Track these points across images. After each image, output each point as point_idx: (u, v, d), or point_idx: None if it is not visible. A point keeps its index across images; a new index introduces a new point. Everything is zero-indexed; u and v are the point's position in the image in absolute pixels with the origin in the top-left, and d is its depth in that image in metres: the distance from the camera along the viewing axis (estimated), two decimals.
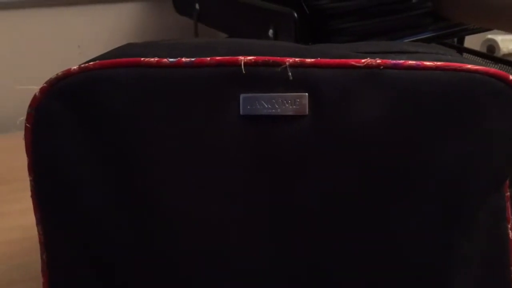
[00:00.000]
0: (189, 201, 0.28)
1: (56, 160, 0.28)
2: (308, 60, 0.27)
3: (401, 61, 0.27)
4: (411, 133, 0.27)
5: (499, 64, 0.68)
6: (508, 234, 0.30)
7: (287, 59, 0.27)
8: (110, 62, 0.27)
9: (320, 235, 0.28)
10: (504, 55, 0.77)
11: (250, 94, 0.27)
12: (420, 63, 0.27)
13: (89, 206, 0.28)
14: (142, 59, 0.27)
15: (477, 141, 0.27)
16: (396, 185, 0.28)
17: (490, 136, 0.28)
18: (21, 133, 0.28)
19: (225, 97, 0.27)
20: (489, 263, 0.31)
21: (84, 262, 0.30)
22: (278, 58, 0.27)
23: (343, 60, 0.27)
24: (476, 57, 0.70)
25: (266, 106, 0.27)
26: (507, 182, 0.30)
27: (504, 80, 0.27)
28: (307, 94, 0.27)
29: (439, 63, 0.27)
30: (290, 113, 0.27)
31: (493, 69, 0.27)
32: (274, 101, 0.27)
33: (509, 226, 0.30)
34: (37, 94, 0.27)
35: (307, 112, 0.27)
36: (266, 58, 0.27)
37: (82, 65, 0.27)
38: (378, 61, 0.27)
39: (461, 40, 0.70)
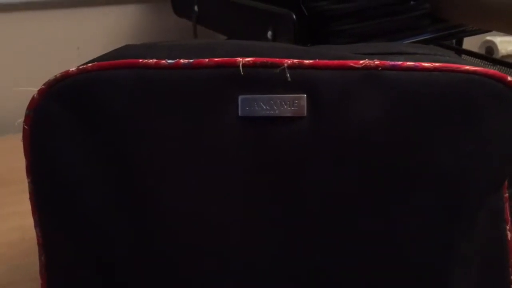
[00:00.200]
0: (189, 201, 0.28)
1: (54, 162, 0.28)
2: (307, 61, 0.27)
3: (399, 62, 0.27)
4: (410, 134, 0.27)
5: (498, 66, 0.68)
6: (506, 235, 0.30)
7: (286, 61, 0.27)
8: (108, 64, 0.27)
9: (320, 235, 0.28)
10: (503, 56, 0.77)
11: (248, 96, 0.27)
12: (419, 64, 0.27)
13: (89, 207, 0.28)
14: (140, 60, 0.27)
15: (476, 142, 0.27)
16: (395, 186, 0.28)
17: (488, 137, 0.28)
18: (20, 135, 0.28)
19: (223, 98, 0.27)
20: (488, 264, 0.31)
21: (83, 263, 0.30)
22: (277, 59, 0.27)
23: (341, 62, 0.27)
24: (474, 59, 0.70)
25: (265, 107, 0.27)
26: (506, 183, 0.30)
27: (503, 81, 0.27)
28: (305, 95, 0.27)
29: (437, 64, 0.27)
30: (289, 114, 0.27)
31: (491, 70, 0.27)
32: (272, 102, 0.27)
33: (508, 227, 0.30)
34: (35, 95, 0.27)
35: (305, 114, 0.27)
36: (265, 59, 0.27)
37: (81, 67, 0.27)
38: (377, 62, 0.27)
39: (460, 42, 0.71)
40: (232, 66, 0.27)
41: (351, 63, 0.27)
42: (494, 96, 0.27)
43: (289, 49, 0.29)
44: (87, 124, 0.27)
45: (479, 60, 0.70)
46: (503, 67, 0.67)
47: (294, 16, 0.47)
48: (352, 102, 0.27)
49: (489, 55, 0.78)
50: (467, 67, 0.27)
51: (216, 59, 0.27)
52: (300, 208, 0.28)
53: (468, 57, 0.71)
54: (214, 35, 0.65)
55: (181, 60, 0.27)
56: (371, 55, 0.28)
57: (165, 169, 0.28)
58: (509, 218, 0.31)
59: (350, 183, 0.27)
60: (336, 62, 0.27)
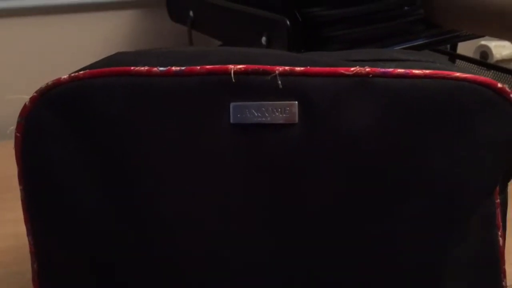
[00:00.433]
0: (183, 206, 0.28)
1: (46, 169, 0.28)
2: (298, 68, 0.27)
3: (390, 70, 0.27)
4: (400, 141, 0.27)
5: (492, 70, 0.68)
6: (498, 241, 0.31)
7: (277, 68, 0.27)
8: (100, 71, 0.27)
9: (314, 240, 0.28)
10: (497, 61, 0.78)
11: (240, 103, 0.27)
12: (409, 71, 0.27)
13: (81, 214, 0.28)
14: (132, 68, 0.27)
15: (467, 148, 0.28)
16: (387, 192, 0.28)
17: (479, 143, 0.28)
18: (12, 142, 0.28)
19: (215, 105, 0.27)
20: (480, 269, 0.31)
21: (76, 270, 0.30)
22: (268, 66, 0.27)
23: (332, 69, 0.27)
24: (469, 64, 0.71)
25: (256, 114, 0.27)
26: (497, 189, 0.30)
27: (493, 88, 0.27)
28: (297, 102, 0.27)
29: (427, 71, 0.27)
30: (280, 121, 0.27)
31: (481, 77, 0.27)
32: (264, 109, 0.27)
33: (499, 233, 0.30)
34: (27, 103, 0.27)
35: (297, 121, 0.27)
36: (256, 66, 0.27)
37: (72, 74, 0.27)
38: (367, 69, 0.27)
39: (454, 47, 0.71)
40: (223, 73, 0.27)
41: (342, 70, 0.27)
42: (484, 102, 0.27)
43: (281, 56, 0.29)
44: (78, 131, 0.28)
45: (473, 65, 0.71)
46: (498, 72, 0.67)
47: (288, 22, 0.47)
48: (343, 109, 0.27)
49: (483, 60, 0.78)
50: (457, 74, 0.27)
51: (208, 67, 0.27)
52: (293, 213, 0.28)
53: (462, 62, 0.71)
54: (210, 41, 0.65)
55: (173, 68, 0.27)
56: (362, 62, 0.28)
57: (159, 176, 0.28)
58: (501, 223, 0.31)
59: (342, 189, 0.27)
60: (327, 69, 0.27)
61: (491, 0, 0.50)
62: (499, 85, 0.27)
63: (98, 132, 0.27)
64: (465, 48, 0.75)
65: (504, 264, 0.31)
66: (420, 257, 0.29)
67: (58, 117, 0.27)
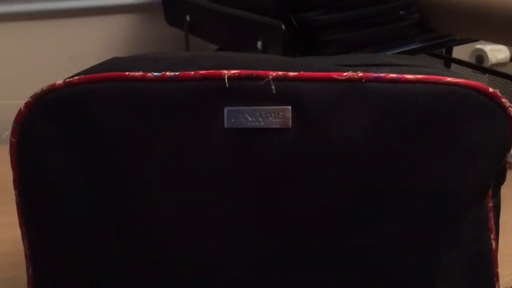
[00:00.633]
0: (175, 212, 0.28)
1: (41, 174, 0.28)
2: (291, 73, 0.27)
3: (383, 74, 0.27)
4: (392, 146, 0.27)
5: (487, 74, 0.69)
6: (491, 244, 0.31)
7: (271, 73, 0.27)
8: (95, 77, 0.27)
9: (305, 247, 0.28)
10: (493, 65, 0.78)
11: (234, 108, 0.27)
12: (402, 76, 0.27)
13: (76, 219, 0.28)
14: (126, 73, 0.27)
15: (459, 152, 0.28)
16: (379, 196, 0.28)
17: (471, 148, 0.28)
18: (7, 147, 0.28)
19: (209, 110, 0.27)
20: (474, 272, 0.31)
21: (70, 275, 0.30)
22: (262, 71, 0.27)
23: (325, 74, 0.27)
24: (464, 68, 0.71)
25: (250, 119, 0.27)
26: (490, 192, 0.30)
27: (484, 92, 0.27)
28: (290, 107, 0.27)
29: (419, 76, 0.27)
30: (274, 126, 0.27)
31: (473, 81, 0.27)
32: (258, 114, 0.27)
33: (492, 236, 0.31)
34: (22, 108, 0.28)
35: (290, 125, 0.27)
36: (250, 71, 0.27)
37: (67, 80, 0.28)
38: (360, 74, 0.27)
39: (450, 51, 0.71)
40: (217, 78, 0.27)
41: (335, 75, 0.27)
42: (476, 107, 0.27)
43: (275, 61, 0.29)
44: (73, 136, 0.28)
45: (469, 69, 0.71)
46: (493, 76, 0.67)
47: (284, 27, 0.47)
48: (336, 113, 0.27)
49: (479, 63, 0.78)
50: (449, 79, 0.27)
51: (201, 72, 0.27)
52: (285, 219, 0.28)
53: (458, 66, 0.71)
54: (206, 45, 0.65)
55: (167, 73, 0.27)
56: (355, 67, 0.29)
57: (152, 180, 0.28)
58: (494, 227, 0.31)
59: (335, 193, 0.28)
60: (320, 74, 0.27)
61: (486, 4, 0.50)
62: (491, 89, 0.27)
63: (92, 138, 0.28)
64: (461, 52, 0.75)
65: (497, 267, 0.31)
66: (413, 262, 0.29)
67: (53, 122, 0.28)
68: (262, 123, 0.27)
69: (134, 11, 0.77)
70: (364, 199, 0.28)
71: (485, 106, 0.27)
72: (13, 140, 0.28)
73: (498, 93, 0.27)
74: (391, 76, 0.27)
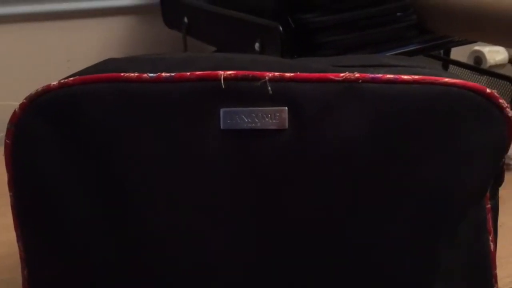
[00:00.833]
0: (173, 212, 0.28)
1: (36, 176, 0.28)
2: (288, 74, 0.27)
3: (380, 75, 0.27)
4: (389, 146, 0.27)
5: (486, 76, 0.69)
6: (489, 246, 0.31)
7: (267, 74, 0.27)
8: (90, 78, 0.27)
9: (301, 247, 0.28)
10: (491, 66, 0.78)
11: (230, 109, 0.27)
12: (398, 77, 0.27)
13: (71, 220, 0.28)
14: (122, 74, 0.27)
15: (456, 153, 0.28)
16: (376, 197, 0.28)
17: (468, 148, 0.28)
18: (1, 149, 0.28)
19: (205, 111, 0.27)
20: (471, 275, 0.31)
21: (66, 277, 0.29)
22: (258, 72, 0.27)
23: (322, 74, 0.27)
24: (462, 69, 0.71)
25: (246, 120, 0.27)
26: (488, 194, 0.30)
27: (482, 93, 0.27)
28: (286, 108, 0.27)
29: (416, 76, 0.27)
30: (270, 127, 0.27)
31: (470, 82, 0.27)
32: (254, 115, 0.27)
33: (490, 238, 0.30)
34: (16, 110, 0.27)
35: (287, 126, 0.27)
36: (246, 72, 0.27)
37: (62, 81, 0.27)
38: (357, 75, 0.27)
39: (448, 52, 0.71)
40: (213, 79, 0.27)
41: (331, 76, 0.27)
42: (473, 108, 0.27)
43: (271, 62, 0.29)
44: (68, 138, 0.27)
45: (467, 70, 0.71)
46: (491, 77, 0.67)
47: (281, 28, 0.47)
48: (333, 114, 0.27)
49: (477, 65, 0.78)
50: (446, 80, 0.27)
51: (197, 73, 0.27)
52: (283, 219, 0.28)
53: (456, 67, 0.71)
54: (204, 47, 0.65)
55: (163, 74, 0.27)
56: (352, 68, 0.28)
57: (148, 182, 0.28)
58: (492, 229, 0.31)
59: (331, 195, 0.27)
60: (316, 75, 0.27)
61: (483, 5, 0.50)
62: (488, 90, 0.27)
63: (87, 139, 0.27)
64: (459, 53, 0.75)
65: (495, 268, 0.31)
66: (412, 262, 0.29)
67: (47, 124, 0.27)
68: (259, 124, 0.27)
69: (132, 13, 0.77)
70: (361, 199, 0.27)
71: (483, 107, 0.27)
72: (7, 141, 0.28)
73: (496, 93, 0.27)
74: (388, 77, 0.27)
